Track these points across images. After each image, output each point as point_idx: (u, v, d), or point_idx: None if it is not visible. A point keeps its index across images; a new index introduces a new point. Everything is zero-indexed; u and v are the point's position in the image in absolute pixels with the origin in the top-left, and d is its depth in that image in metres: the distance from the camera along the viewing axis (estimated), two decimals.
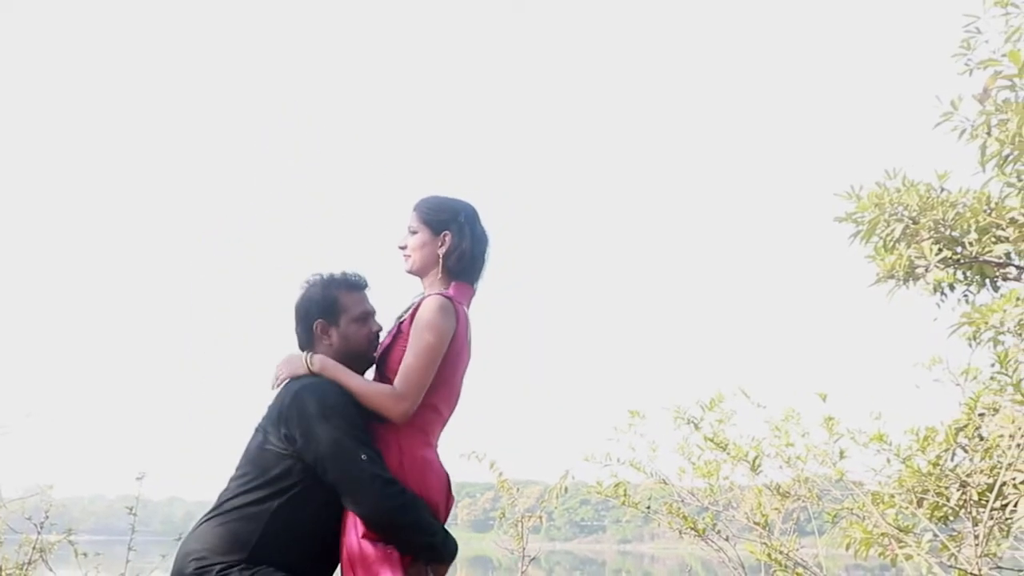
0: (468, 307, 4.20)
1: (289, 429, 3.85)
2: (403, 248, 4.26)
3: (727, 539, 7.45)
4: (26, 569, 9.15)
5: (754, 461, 7.05)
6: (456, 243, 4.17)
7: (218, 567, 3.75)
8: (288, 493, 3.83)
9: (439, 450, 4.12)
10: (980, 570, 5.99)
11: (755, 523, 7.14)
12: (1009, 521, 6.16)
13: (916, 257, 6.86)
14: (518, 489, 8.58)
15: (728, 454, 7.11)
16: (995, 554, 6.61)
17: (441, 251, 4.16)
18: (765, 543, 7.05)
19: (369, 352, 4.15)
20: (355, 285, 4.20)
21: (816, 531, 7.40)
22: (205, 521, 3.91)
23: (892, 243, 6.99)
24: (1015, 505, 5.91)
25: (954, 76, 6.37)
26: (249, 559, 3.75)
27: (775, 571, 7.08)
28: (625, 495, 7.60)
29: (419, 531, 3.83)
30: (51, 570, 9.35)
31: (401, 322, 4.14)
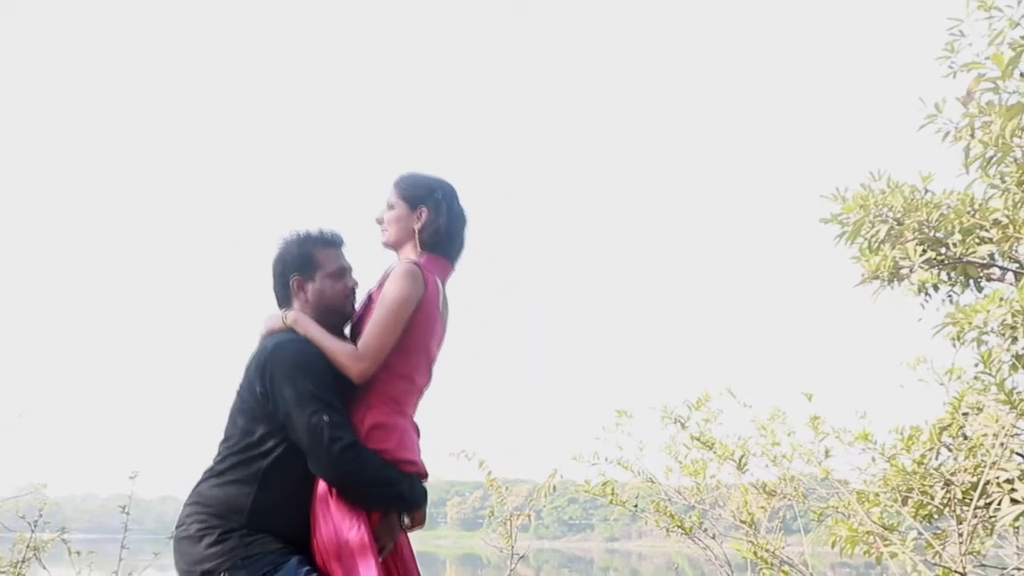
0: (443, 282, 4.20)
1: (264, 387, 3.86)
2: (380, 221, 4.27)
3: (714, 537, 7.44)
4: (20, 567, 9.12)
5: (740, 460, 7.05)
6: (432, 219, 4.16)
7: (219, 531, 3.77)
8: (274, 453, 3.84)
9: (415, 421, 4.11)
10: (964, 568, 5.99)
11: (741, 521, 7.14)
12: (993, 519, 6.17)
13: (901, 258, 6.87)
14: (507, 488, 8.58)
15: (715, 453, 7.11)
16: (979, 552, 6.62)
17: (416, 226, 4.16)
18: (751, 541, 7.05)
19: (345, 307, 4.16)
20: (330, 242, 4.20)
21: (802, 529, 7.40)
22: (201, 483, 3.92)
23: (877, 244, 7.00)
24: (999, 503, 5.92)
25: (938, 79, 6.37)
26: (248, 525, 3.77)
27: (761, 569, 7.08)
28: (613, 494, 7.60)
29: (383, 486, 3.84)
30: (45, 568, 9.32)
31: (372, 292, 4.16)
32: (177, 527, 3.92)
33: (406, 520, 4.01)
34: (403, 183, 4.26)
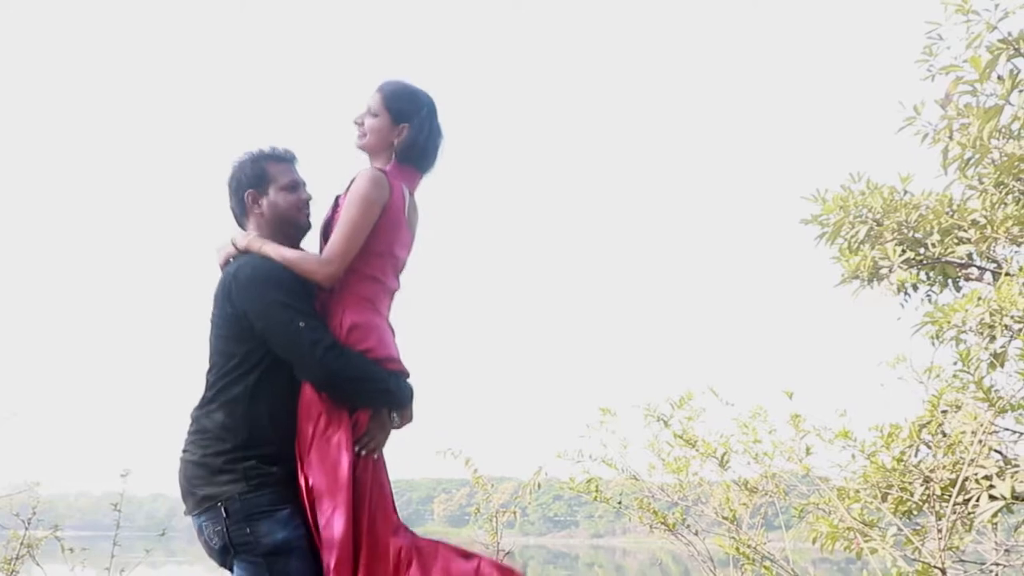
0: (411, 191, 4.22)
1: (234, 307, 3.88)
2: (359, 124, 4.24)
3: (696, 533, 7.44)
4: (14, 564, 9.13)
5: (722, 457, 7.04)
6: (413, 136, 4.17)
7: (221, 456, 3.82)
8: (260, 367, 3.86)
9: (391, 322, 4.13)
10: (943, 563, 5.99)
11: (724, 518, 7.14)
12: (971, 515, 6.16)
13: (880, 258, 6.88)
14: (492, 485, 8.58)
15: (697, 451, 7.11)
16: (958, 547, 6.62)
17: (396, 139, 4.16)
18: (734, 537, 7.05)
19: (299, 219, 4.16)
20: (282, 157, 4.22)
21: (783, 525, 7.40)
22: (196, 413, 3.95)
23: (857, 245, 7.01)
24: (977, 500, 5.92)
25: (917, 82, 6.37)
26: (248, 444, 3.81)
27: (743, 564, 7.08)
28: (597, 491, 7.60)
29: (369, 381, 3.87)
30: (39, 565, 9.33)
31: (338, 197, 4.15)
32: (181, 452, 3.96)
33: (395, 418, 4.03)
34: (390, 93, 4.23)
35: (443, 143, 4.31)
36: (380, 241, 4.02)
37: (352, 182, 4.07)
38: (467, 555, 4.03)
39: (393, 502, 4.04)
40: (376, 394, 3.91)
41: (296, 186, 4.16)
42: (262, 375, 3.85)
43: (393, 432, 4.04)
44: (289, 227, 4.11)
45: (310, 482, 3.77)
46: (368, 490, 3.88)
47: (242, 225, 4.18)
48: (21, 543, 9.19)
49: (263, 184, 4.13)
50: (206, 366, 4.00)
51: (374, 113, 4.21)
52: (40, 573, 9.38)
